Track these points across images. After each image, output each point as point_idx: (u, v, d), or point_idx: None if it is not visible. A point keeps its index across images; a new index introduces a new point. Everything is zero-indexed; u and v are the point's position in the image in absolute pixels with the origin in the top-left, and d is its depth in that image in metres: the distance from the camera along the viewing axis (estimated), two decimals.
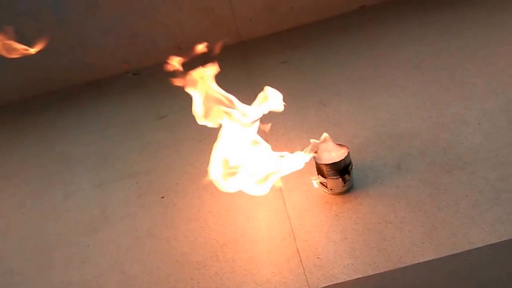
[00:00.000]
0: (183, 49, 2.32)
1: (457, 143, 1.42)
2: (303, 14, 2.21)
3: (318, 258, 1.21)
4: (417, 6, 2.23)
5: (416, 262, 1.12)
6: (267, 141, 1.44)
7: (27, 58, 2.13)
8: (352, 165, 1.34)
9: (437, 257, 1.13)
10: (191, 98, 1.37)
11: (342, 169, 1.30)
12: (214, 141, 1.66)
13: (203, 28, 2.20)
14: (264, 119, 1.52)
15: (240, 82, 1.99)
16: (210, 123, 1.38)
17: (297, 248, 1.25)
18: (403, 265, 1.13)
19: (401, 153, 1.44)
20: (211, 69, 1.35)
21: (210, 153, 1.65)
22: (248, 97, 1.88)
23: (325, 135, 1.38)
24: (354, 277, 1.13)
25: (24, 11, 2.10)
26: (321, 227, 1.29)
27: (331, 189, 1.35)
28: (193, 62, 1.35)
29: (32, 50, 1.43)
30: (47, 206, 1.68)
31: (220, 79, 2.01)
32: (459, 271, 1.14)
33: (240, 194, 1.47)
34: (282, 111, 1.75)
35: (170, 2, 2.07)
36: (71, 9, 2.05)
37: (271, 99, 1.37)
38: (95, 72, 2.29)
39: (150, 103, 2.04)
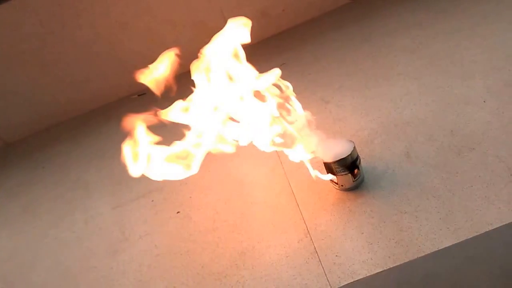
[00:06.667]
0: (183, 65, 2.34)
1: (464, 124, 1.41)
2: (295, 15, 2.22)
3: (336, 256, 1.21)
4: None
5: (435, 249, 1.12)
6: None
7: (35, 92, 2.19)
8: (360, 159, 1.34)
9: (456, 242, 1.12)
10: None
11: (350, 164, 1.30)
12: (223, 154, 1.68)
13: (199, 42, 2.22)
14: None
15: None
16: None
17: (314, 249, 1.25)
18: (423, 254, 1.12)
19: (409, 141, 1.44)
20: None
21: (219, 163, 1.67)
22: None
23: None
24: (375, 272, 1.13)
25: None
26: (336, 224, 1.29)
27: (342, 185, 1.35)
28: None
29: None
30: (69, 233, 1.71)
31: None
32: (480, 254, 1.13)
33: (254, 200, 1.48)
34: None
35: (164, 22, 2.09)
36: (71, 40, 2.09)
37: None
38: (101, 98, 2.32)
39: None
